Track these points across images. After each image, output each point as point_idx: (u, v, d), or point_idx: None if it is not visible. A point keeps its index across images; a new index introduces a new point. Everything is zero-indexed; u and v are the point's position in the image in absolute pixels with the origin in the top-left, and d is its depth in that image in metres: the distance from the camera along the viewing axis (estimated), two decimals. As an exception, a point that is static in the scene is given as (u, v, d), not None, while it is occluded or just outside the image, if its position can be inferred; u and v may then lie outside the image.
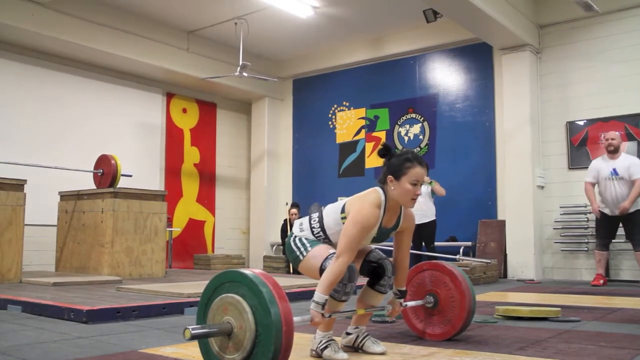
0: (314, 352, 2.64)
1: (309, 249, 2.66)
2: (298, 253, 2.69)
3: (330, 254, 2.58)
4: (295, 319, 2.24)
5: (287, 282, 5.92)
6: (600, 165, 7.10)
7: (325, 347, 2.59)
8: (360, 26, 9.64)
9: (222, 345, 2.25)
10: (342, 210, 2.66)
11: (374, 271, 2.78)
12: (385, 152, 2.73)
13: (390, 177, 2.63)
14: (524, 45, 8.32)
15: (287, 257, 2.77)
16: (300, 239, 2.73)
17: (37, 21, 7.91)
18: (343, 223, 2.61)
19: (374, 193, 2.65)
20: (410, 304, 3.06)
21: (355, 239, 2.51)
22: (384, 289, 2.79)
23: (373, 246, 2.86)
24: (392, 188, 2.62)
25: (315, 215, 2.77)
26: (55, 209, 7.71)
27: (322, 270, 2.57)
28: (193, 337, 2.13)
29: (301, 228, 2.77)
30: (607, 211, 6.95)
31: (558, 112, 8.39)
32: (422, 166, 2.63)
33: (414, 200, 2.62)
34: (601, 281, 6.98)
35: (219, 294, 2.29)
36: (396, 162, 2.64)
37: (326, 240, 2.71)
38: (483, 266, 7.41)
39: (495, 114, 8.94)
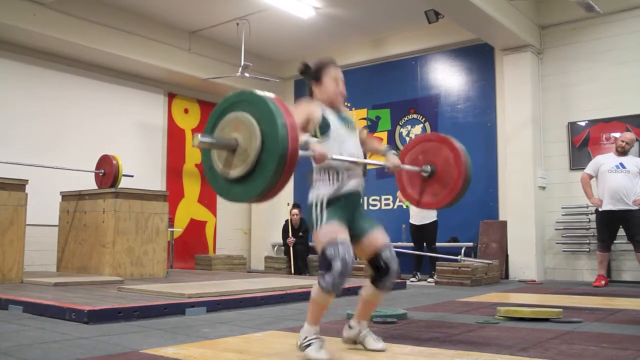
0: (297, 347, 2.65)
1: (325, 221, 2.66)
2: (316, 221, 2.70)
3: (335, 242, 2.57)
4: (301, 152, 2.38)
5: (288, 282, 5.92)
6: (604, 159, 7.10)
7: (308, 345, 2.58)
8: (361, 27, 9.64)
9: (227, 161, 2.33)
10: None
11: (380, 270, 2.78)
12: (305, 69, 2.91)
13: (312, 82, 2.85)
14: (526, 46, 8.31)
15: (308, 223, 2.80)
16: (320, 205, 2.72)
17: (39, 21, 7.91)
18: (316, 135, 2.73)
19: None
20: (408, 167, 3.15)
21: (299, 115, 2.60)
22: (388, 287, 2.80)
23: (388, 241, 2.83)
24: (318, 92, 2.83)
25: (314, 174, 2.81)
26: (57, 209, 7.71)
27: (322, 253, 2.59)
28: (200, 143, 2.25)
29: (317, 189, 2.77)
30: (607, 207, 6.91)
31: (559, 113, 8.39)
32: (336, 65, 2.89)
33: (340, 95, 2.84)
34: (603, 282, 6.97)
35: (227, 112, 2.39)
36: (314, 68, 2.88)
37: (336, 172, 2.74)
38: (485, 267, 7.41)
39: (497, 115, 8.94)
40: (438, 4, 7.71)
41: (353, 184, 2.78)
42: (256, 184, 2.26)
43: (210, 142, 2.33)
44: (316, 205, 2.73)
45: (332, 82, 2.83)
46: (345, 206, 2.74)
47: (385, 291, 2.81)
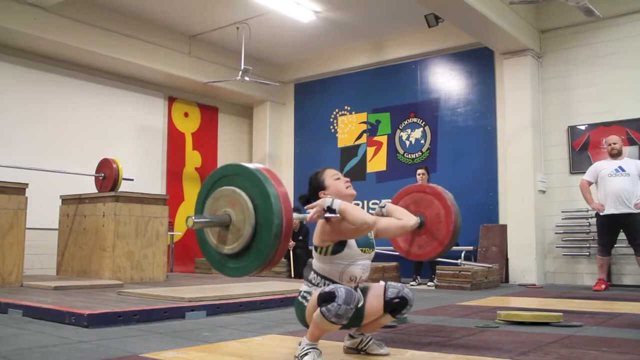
0: (295, 359, 2.62)
1: (313, 292, 2.62)
2: (304, 302, 2.64)
3: (335, 286, 2.51)
4: (298, 215, 2.42)
5: (288, 286, 5.91)
6: (603, 165, 7.11)
7: (305, 354, 2.54)
8: (361, 30, 9.65)
9: (221, 237, 2.32)
10: (315, 249, 2.71)
11: (399, 305, 2.73)
12: (305, 198, 2.82)
13: (320, 193, 2.75)
14: (525, 49, 8.32)
15: (297, 317, 2.73)
16: (306, 292, 2.68)
17: (39, 25, 7.92)
18: (322, 252, 2.66)
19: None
20: (391, 205, 3.10)
21: (359, 211, 2.55)
22: (402, 317, 2.80)
23: (383, 283, 2.80)
24: (329, 196, 2.68)
25: (311, 274, 2.74)
26: (57, 212, 7.71)
27: (319, 296, 2.49)
28: (195, 224, 2.25)
29: (307, 291, 2.69)
30: (609, 210, 6.91)
31: (559, 117, 8.39)
32: (329, 168, 2.84)
33: (347, 185, 2.78)
34: (603, 286, 6.96)
35: (218, 187, 2.38)
36: (314, 182, 2.81)
37: (332, 282, 2.65)
38: (485, 271, 7.41)
39: (497, 119, 8.94)
40: (438, 8, 7.73)
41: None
42: (252, 259, 2.25)
43: (204, 222, 2.32)
44: (300, 296, 2.69)
45: (336, 180, 2.77)
46: None
47: (396, 319, 2.82)
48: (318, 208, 2.57)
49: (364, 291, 2.78)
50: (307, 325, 2.63)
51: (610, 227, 6.97)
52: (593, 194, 7.17)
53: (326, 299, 2.44)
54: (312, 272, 2.73)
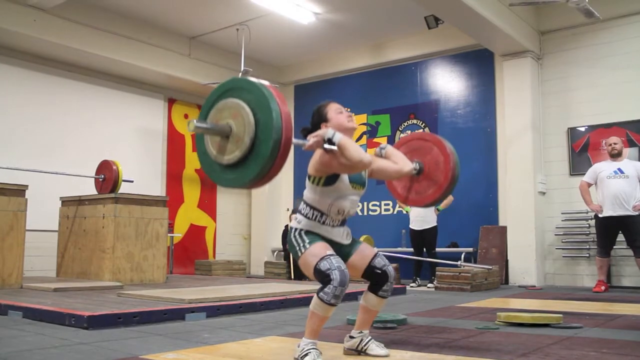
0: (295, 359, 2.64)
1: (307, 245, 2.67)
2: (297, 248, 2.71)
3: (326, 255, 2.60)
4: (297, 140, 2.48)
5: (288, 288, 5.91)
6: (602, 166, 7.12)
7: (306, 355, 2.56)
8: (361, 32, 9.66)
9: (221, 147, 2.38)
10: (309, 178, 2.79)
11: (377, 278, 2.79)
12: (307, 129, 2.87)
13: (322, 124, 2.80)
14: (525, 51, 8.33)
15: (289, 251, 2.81)
16: (299, 233, 2.74)
17: (39, 27, 7.93)
18: (315, 182, 2.75)
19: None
20: (391, 148, 3.14)
21: (357, 147, 2.61)
22: (387, 294, 2.80)
23: (376, 249, 2.86)
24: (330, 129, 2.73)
25: (301, 204, 2.82)
26: (57, 214, 7.71)
27: (316, 269, 2.58)
28: (196, 128, 2.32)
29: (298, 220, 2.79)
30: (607, 212, 6.91)
31: (559, 118, 8.40)
32: (333, 101, 2.88)
33: (350, 119, 2.83)
34: (603, 287, 6.96)
35: (223, 99, 2.43)
36: (316, 114, 2.86)
37: (321, 215, 2.73)
38: (484, 272, 7.40)
39: (497, 120, 8.95)
40: (438, 10, 7.73)
41: (336, 233, 2.78)
42: (249, 171, 2.30)
43: (205, 127, 2.38)
44: (295, 234, 2.75)
45: (339, 114, 2.82)
46: (324, 238, 2.74)
47: (386, 297, 2.81)
48: (318, 138, 2.62)
49: (355, 245, 2.83)
50: (297, 260, 2.73)
51: (609, 229, 6.97)
52: (592, 195, 7.17)
53: (322, 281, 2.55)
54: (302, 203, 2.80)
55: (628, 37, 7.95)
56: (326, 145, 2.61)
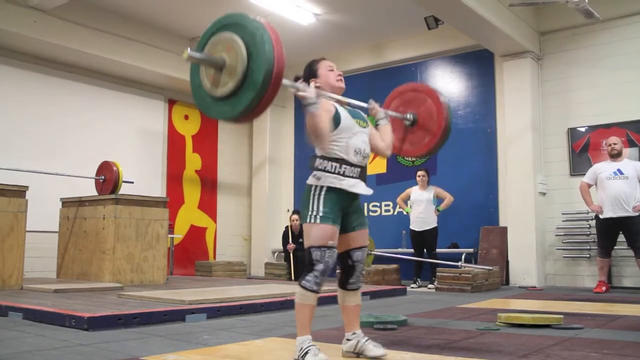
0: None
1: (318, 220, 2.71)
2: (309, 213, 2.75)
3: (324, 246, 2.68)
4: (288, 82, 2.55)
5: (288, 289, 5.91)
6: (602, 167, 7.11)
7: (306, 353, 2.60)
8: (361, 33, 9.66)
9: (214, 80, 2.45)
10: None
11: (346, 267, 2.86)
12: (299, 77, 2.96)
13: (311, 80, 2.90)
14: (525, 52, 8.33)
15: (301, 211, 2.85)
16: (319, 194, 2.76)
17: (39, 28, 7.93)
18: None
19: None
20: (390, 113, 3.22)
21: (321, 126, 2.67)
22: (353, 286, 2.86)
23: (365, 244, 2.90)
24: (318, 85, 2.87)
25: (317, 161, 2.82)
26: (57, 215, 7.71)
27: (308, 251, 2.70)
28: (190, 58, 2.41)
29: (317, 177, 2.80)
30: (607, 214, 6.91)
31: (559, 119, 8.39)
32: (325, 59, 3.00)
33: (339, 79, 2.92)
34: (603, 288, 6.96)
35: (218, 33, 2.51)
36: (307, 69, 2.97)
37: (340, 164, 2.76)
38: (485, 273, 7.40)
39: (497, 121, 8.94)
40: (438, 11, 7.73)
41: (355, 183, 2.80)
42: (241, 101, 2.36)
43: (199, 57, 2.46)
44: (314, 194, 2.78)
45: (329, 71, 2.92)
46: (343, 201, 2.78)
47: (354, 290, 2.86)
48: (307, 97, 2.67)
49: (361, 224, 2.87)
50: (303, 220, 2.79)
51: (610, 229, 6.96)
52: (593, 196, 7.17)
53: (308, 262, 2.69)
54: (317, 159, 2.82)
55: (628, 37, 7.95)
56: (306, 106, 2.67)
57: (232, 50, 2.40)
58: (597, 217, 7.11)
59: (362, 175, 2.85)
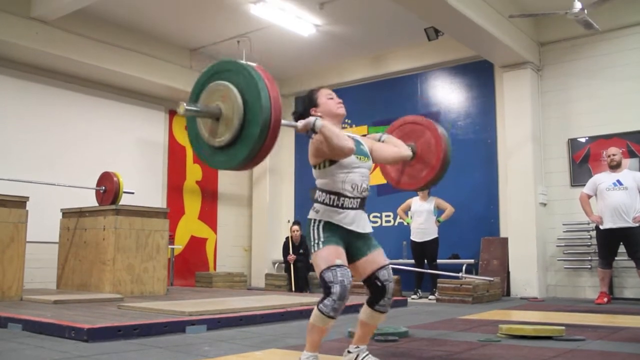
0: None
1: (321, 245, 2.69)
2: (312, 243, 2.73)
3: (333, 265, 2.61)
4: (286, 122, 2.53)
5: (289, 300, 5.89)
6: (601, 178, 7.10)
7: None
8: (362, 44, 9.69)
9: (212, 130, 2.44)
10: (313, 167, 2.84)
11: (375, 289, 2.77)
12: (298, 110, 2.97)
13: (312, 110, 2.88)
14: (525, 62, 8.35)
15: (306, 242, 2.86)
16: (317, 226, 2.75)
17: (41, 39, 7.95)
18: (320, 167, 2.79)
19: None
20: (391, 136, 3.19)
21: (338, 133, 2.66)
22: (384, 309, 2.78)
23: (388, 261, 2.84)
24: (319, 114, 2.84)
25: (317, 193, 2.82)
26: (57, 226, 7.70)
27: (321, 277, 2.62)
28: (186, 111, 2.39)
29: (315, 210, 2.79)
30: (607, 224, 6.90)
31: (559, 129, 8.40)
32: (324, 87, 2.97)
33: (339, 106, 2.89)
34: (605, 299, 6.93)
35: (211, 81, 2.50)
36: (307, 99, 2.93)
37: (338, 197, 2.74)
38: (486, 284, 7.38)
39: (497, 131, 8.95)
40: (438, 22, 7.76)
41: (356, 219, 2.77)
42: (239, 152, 2.36)
43: (195, 110, 2.44)
44: (314, 226, 2.76)
45: (329, 100, 2.89)
46: (343, 232, 2.75)
47: (383, 313, 2.79)
48: (306, 123, 2.69)
49: (371, 247, 2.82)
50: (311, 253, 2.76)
51: (610, 240, 6.95)
52: (593, 206, 7.16)
53: (324, 290, 2.59)
54: (317, 191, 2.81)
55: (627, 48, 7.98)
56: (311, 133, 2.70)
57: (228, 100, 2.39)
58: (597, 227, 7.10)
59: (363, 204, 2.82)
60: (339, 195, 2.74)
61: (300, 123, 2.70)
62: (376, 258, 2.79)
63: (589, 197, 7.15)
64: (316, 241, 2.71)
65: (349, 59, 10.33)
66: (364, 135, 3.13)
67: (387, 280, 2.76)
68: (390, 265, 2.85)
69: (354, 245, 2.77)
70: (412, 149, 3.26)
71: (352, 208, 2.76)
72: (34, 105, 8.63)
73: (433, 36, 8.71)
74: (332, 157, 2.73)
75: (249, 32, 9.09)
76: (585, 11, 6.38)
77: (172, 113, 10.59)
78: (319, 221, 2.75)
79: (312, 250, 2.72)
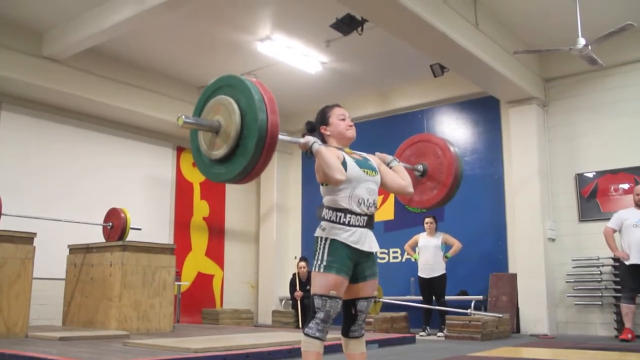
0: None
1: (323, 269, 2.72)
2: (316, 262, 2.76)
3: (328, 296, 2.68)
4: (285, 137, 2.60)
5: (296, 337, 5.83)
6: (627, 214, 7.07)
7: None
8: (368, 80, 9.79)
9: (211, 143, 2.52)
10: (321, 185, 2.87)
11: (348, 316, 2.85)
12: (310, 124, 3.01)
13: (322, 127, 2.95)
14: (531, 98, 8.40)
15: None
16: (324, 246, 2.77)
17: (51, 77, 8.07)
18: (326, 184, 2.80)
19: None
20: (401, 164, 3.19)
21: (329, 161, 2.69)
22: (357, 333, 2.85)
23: (375, 294, 2.87)
24: (328, 133, 2.93)
25: (324, 211, 2.83)
26: (64, 262, 7.70)
27: (313, 298, 2.72)
28: (185, 124, 2.48)
29: (322, 227, 2.81)
30: (634, 260, 6.83)
31: (566, 164, 8.40)
32: (339, 105, 3.02)
33: (349, 128, 2.96)
34: (629, 335, 6.76)
35: (213, 97, 2.58)
36: (319, 116, 2.99)
37: (344, 214, 2.76)
38: (495, 320, 7.29)
39: (504, 167, 8.95)
40: (443, 59, 7.84)
41: (362, 238, 2.77)
42: (236, 165, 2.42)
43: (193, 122, 2.54)
44: (320, 244, 2.79)
45: (340, 120, 2.95)
46: (351, 251, 2.76)
47: (358, 338, 2.85)
48: (305, 142, 2.74)
49: (371, 275, 2.84)
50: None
51: (635, 276, 6.87)
52: (617, 241, 7.10)
53: (312, 310, 2.71)
54: (324, 209, 2.82)
55: (631, 84, 8.02)
56: (309, 153, 2.75)
57: (227, 114, 2.47)
58: (621, 263, 7.03)
59: (370, 223, 2.84)
60: (345, 212, 2.76)
61: (302, 141, 2.75)
62: (367, 287, 2.84)
63: (614, 231, 7.11)
64: (319, 262, 2.74)
65: (355, 95, 10.41)
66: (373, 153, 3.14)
67: (361, 312, 2.84)
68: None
69: (361, 266, 2.80)
70: (424, 168, 3.29)
71: (359, 226, 2.77)
72: (43, 142, 8.72)
73: (439, 72, 8.79)
74: (326, 181, 2.78)
75: (256, 69, 9.20)
76: (589, 47, 6.43)
77: (180, 150, 10.67)
78: (326, 239, 2.77)
79: (314, 269, 2.76)
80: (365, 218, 2.80)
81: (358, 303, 2.82)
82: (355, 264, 2.77)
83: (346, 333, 2.85)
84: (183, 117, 2.46)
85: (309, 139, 2.76)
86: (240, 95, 2.45)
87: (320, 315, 2.68)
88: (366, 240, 2.79)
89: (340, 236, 2.74)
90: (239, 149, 2.41)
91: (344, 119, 2.95)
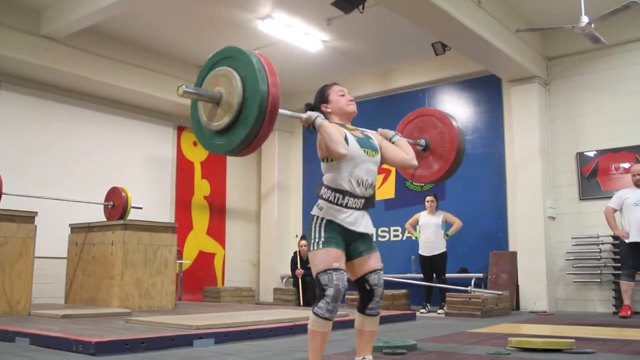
0: None
1: (320, 245, 2.71)
2: (312, 242, 2.75)
3: (330, 269, 2.65)
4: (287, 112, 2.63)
5: (297, 314, 5.87)
6: (627, 193, 7.11)
7: None
8: (369, 59, 9.73)
9: (212, 114, 2.51)
10: (322, 161, 2.85)
11: (364, 293, 2.82)
12: (310, 105, 3.00)
13: (322, 105, 2.94)
14: (533, 77, 8.35)
15: (306, 239, 2.88)
16: (319, 225, 2.76)
17: (50, 56, 8.03)
18: (328, 160, 2.80)
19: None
20: (404, 139, 3.17)
21: (332, 135, 2.70)
22: (373, 312, 2.83)
23: (379, 267, 2.86)
24: (329, 110, 2.92)
25: (322, 189, 2.82)
26: (66, 241, 7.73)
27: (316, 278, 2.67)
28: (184, 93, 2.44)
29: (319, 207, 2.80)
30: (634, 238, 6.85)
31: (568, 143, 8.38)
32: (337, 83, 3.02)
33: (350, 103, 2.96)
34: (629, 312, 6.82)
35: (215, 68, 2.58)
36: (318, 95, 2.99)
37: (342, 195, 2.75)
38: (495, 298, 7.33)
39: (505, 146, 8.94)
40: (445, 37, 7.79)
41: (358, 220, 2.77)
42: (236, 136, 2.41)
43: (193, 92, 2.51)
44: (315, 224, 2.78)
45: (340, 96, 2.95)
46: (345, 231, 2.76)
47: (374, 316, 2.83)
48: (307, 117, 2.77)
49: (370, 249, 2.84)
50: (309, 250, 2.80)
51: (635, 254, 6.91)
52: (617, 220, 7.12)
53: (319, 291, 2.65)
54: (323, 187, 2.81)
55: (634, 62, 7.97)
56: (311, 129, 2.76)
57: (229, 84, 2.45)
58: (621, 241, 7.06)
59: (368, 205, 2.83)
60: (343, 193, 2.75)
61: (304, 116, 2.76)
62: (370, 261, 2.82)
63: (615, 211, 7.12)
64: (316, 240, 2.73)
65: (356, 74, 10.37)
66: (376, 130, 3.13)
67: (376, 285, 2.81)
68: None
69: (353, 244, 2.80)
70: (426, 142, 3.28)
71: (356, 208, 2.78)
72: (43, 121, 8.70)
73: (440, 51, 8.74)
74: (329, 155, 2.77)
75: (257, 48, 9.13)
76: (592, 25, 6.38)
77: (181, 129, 10.65)
78: (322, 219, 2.76)
79: (311, 248, 2.74)
80: (363, 201, 2.80)
81: (369, 277, 2.80)
82: (348, 244, 2.78)
83: (362, 310, 2.82)
84: (183, 86, 2.43)
85: (312, 113, 2.77)
86: (239, 64, 2.46)
87: (330, 292, 2.61)
88: (362, 222, 2.80)
89: (337, 217, 2.74)
90: (240, 118, 2.40)
91: (343, 95, 2.95)
